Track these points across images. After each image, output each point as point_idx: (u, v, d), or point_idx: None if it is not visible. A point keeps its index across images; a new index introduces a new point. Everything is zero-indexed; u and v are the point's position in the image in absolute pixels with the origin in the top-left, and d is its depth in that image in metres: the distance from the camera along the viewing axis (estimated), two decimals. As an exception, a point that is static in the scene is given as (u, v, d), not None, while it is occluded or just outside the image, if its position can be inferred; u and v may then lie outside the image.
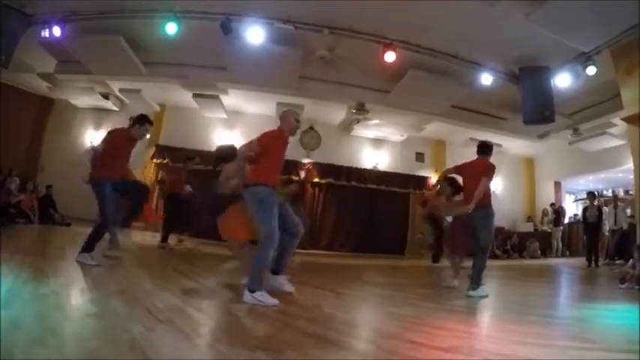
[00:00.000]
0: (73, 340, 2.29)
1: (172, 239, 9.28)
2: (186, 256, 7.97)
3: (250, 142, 4.29)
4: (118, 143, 5.79)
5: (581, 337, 3.44)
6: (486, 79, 9.83)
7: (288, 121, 4.56)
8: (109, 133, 5.92)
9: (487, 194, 5.87)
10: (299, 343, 2.68)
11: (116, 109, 13.40)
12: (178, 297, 3.80)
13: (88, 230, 5.56)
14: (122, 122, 13.33)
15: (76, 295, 3.64)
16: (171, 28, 8.56)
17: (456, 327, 3.74)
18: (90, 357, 2.06)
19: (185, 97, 12.33)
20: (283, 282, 4.60)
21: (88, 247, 5.38)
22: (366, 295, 5.62)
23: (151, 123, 6.13)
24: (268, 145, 4.28)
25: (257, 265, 4.00)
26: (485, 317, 4.63)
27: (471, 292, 5.53)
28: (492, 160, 6.13)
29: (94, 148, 5.93)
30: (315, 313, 3.67)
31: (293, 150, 13.38)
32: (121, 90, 12.34)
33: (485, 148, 6.18)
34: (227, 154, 5.48)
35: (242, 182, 4.35)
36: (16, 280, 3.64)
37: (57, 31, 8.89)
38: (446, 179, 6.76)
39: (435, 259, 10.62)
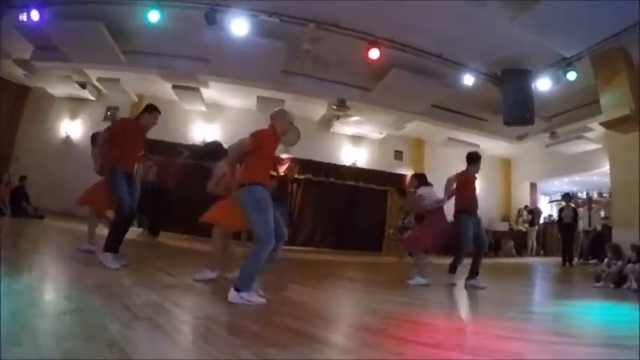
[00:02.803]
0: (49, 339, 2.19)
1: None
2: (164, 252, 7.84)
3: (242, 140, 4.11)
4: (127, 133, 5.53)
5: (563, 332, 3.50)
6: (469, 79, 9.95)
7: (283, 121, 4.40)
8: (117, 122, 5.78)
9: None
10: (284, 340, 2.63)
11: (93, 98, 13.10)
12: (157, 293, 3.69)
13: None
14: (99, 112, 13.17)
15: (51, 292, 3.51)
16: (153, 16, 8.37)
17: (438, 323, 3.81)
18: (67, 356, 1.97)
19: (164, 89, 12.12)
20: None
21: (112, 246, 5.04)
22: (347, 292, 5.61)
23: (159, 112, 5.79)
24: (262, 144, 4.14)
25: (251, 267, 3.82)
26: (466, 313, 4.71)
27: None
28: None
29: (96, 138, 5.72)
30: (298, 309, 3.63)
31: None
32: (99, 79, 12.03)
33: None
34: (217, 150, 5.31)
35: (234, 182, 4.24)
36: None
37: (35, 15, 8.63)
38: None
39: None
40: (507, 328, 3.57)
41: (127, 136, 5.45)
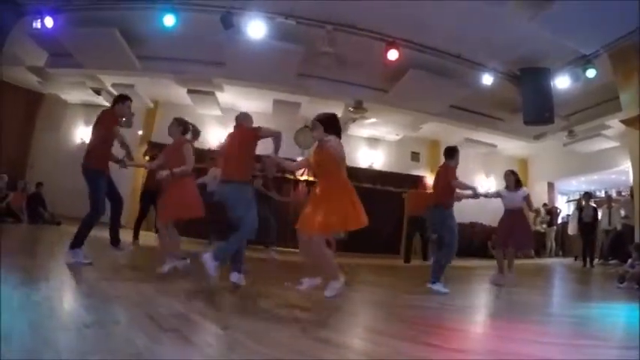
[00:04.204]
0: (72, 354, 2.10)
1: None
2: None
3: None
4: (111, 129, 5.48)
5: (592, 335, 3.48)
6: (487, 79, 9.85)
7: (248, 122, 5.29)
8: (107, 118, 5.59)
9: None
10: (313, 349, 2.56)
11: (108, 104, 13.10)
12: (181, 302, 3.62)
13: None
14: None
15: (71, 302, 3.44)
16: (169, 21, 8.34)
17: (466, 328, 3.82)
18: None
19: (179, 93, 12.15)
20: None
21: (78, 242, 5.17)
22: (371, 297, 5.52)
23: (130, 99, 5.87)
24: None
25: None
26: (492, 317, 4.66)
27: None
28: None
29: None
30: (323, 316, 3.55)
31: (288, 148, 13.36)
32: (113, 85, 12.02)
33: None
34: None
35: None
36: (5, 286, 3.43)
37: (49, 21, 8.63)
38: None
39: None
40: (535, 331, 3.55)
41: (111, 132, 5.49)
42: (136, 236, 8.89)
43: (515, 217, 7.14)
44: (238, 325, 3.09)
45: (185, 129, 5.80)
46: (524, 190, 7.38)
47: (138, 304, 3.37)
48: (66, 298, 3.58)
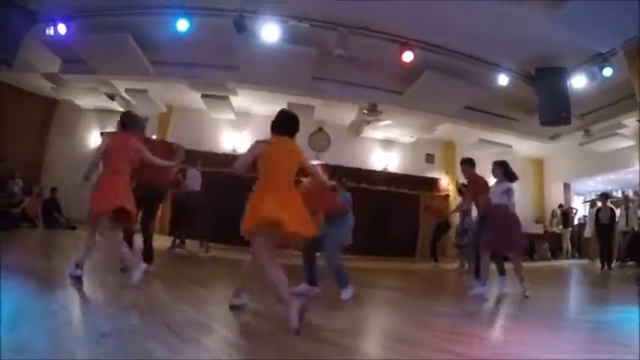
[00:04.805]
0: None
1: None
2: (198, 263, 7.81)
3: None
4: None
5: (614, 341, 3.45)
6: (503, 79, 9.68)
7: None
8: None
9: None
10: (333, 356, 2.55)
11: (122, 109, 13.18)
12: (198, 310, 3.59)
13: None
14: (128, 124, 13.23)
15: (88, 311, 3.41)
16: (182, 25, 8.31)
17: (489, 335, 3.80)
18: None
19: (192, 98, 12.15)
20: None
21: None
22: (389, 303, 5.48)
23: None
24: None
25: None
26: (513, 323, 4.58)
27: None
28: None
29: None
30: (343, 323, 3.50)
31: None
32: (127, 90, 12.11)
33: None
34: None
35: None
36: (21, 294, 3.42)
37: (62, 28, 8.66)
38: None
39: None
40: (557, 337, 3.52)
41: None
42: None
43: (506, 216, 5.99)
44: (256, 331, 3.08)
45: (124, 123, 5.15)
46: (506, 183, 6.23)
47: (155, 313, 3.35)
48: (83, 307, 3.56)
